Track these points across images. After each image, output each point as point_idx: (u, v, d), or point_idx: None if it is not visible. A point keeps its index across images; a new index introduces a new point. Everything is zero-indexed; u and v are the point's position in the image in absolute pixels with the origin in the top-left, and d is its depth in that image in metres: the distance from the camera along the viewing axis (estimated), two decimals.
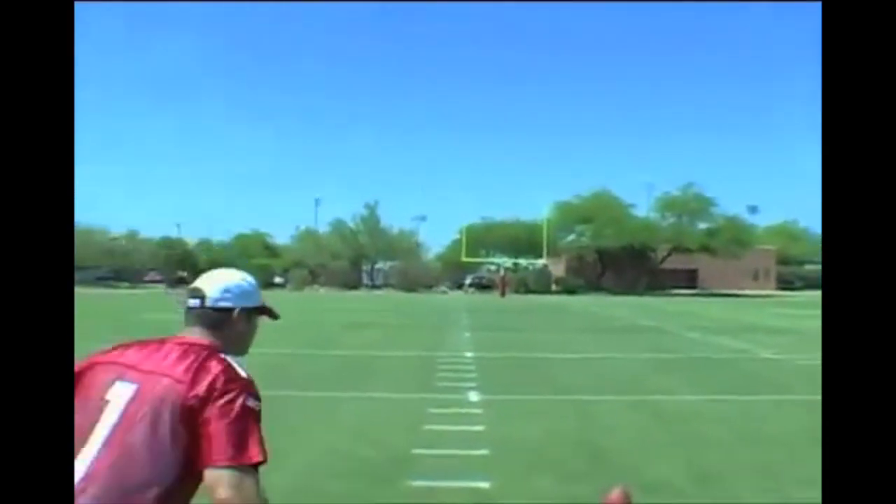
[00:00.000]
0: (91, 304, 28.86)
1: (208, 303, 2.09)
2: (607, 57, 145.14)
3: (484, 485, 5.52)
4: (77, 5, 2.74)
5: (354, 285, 70.08)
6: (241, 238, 78.91)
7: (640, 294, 60.26)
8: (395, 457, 6.27)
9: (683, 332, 20.61)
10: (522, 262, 67.90)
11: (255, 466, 1.80)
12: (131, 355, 2.02)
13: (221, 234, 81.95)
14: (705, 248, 66.62)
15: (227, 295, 2.11)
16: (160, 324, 15.08)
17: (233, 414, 1.82)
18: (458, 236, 67.16)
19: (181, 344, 2.02)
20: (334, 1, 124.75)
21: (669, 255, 69.13)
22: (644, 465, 6.06)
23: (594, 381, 10.98)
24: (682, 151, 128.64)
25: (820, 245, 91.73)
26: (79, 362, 2.05)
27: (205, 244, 76.76)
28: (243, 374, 1.93)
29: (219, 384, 1.86)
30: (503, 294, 56.08)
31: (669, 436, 7.26)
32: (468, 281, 69.38)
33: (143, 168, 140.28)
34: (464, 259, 61.97)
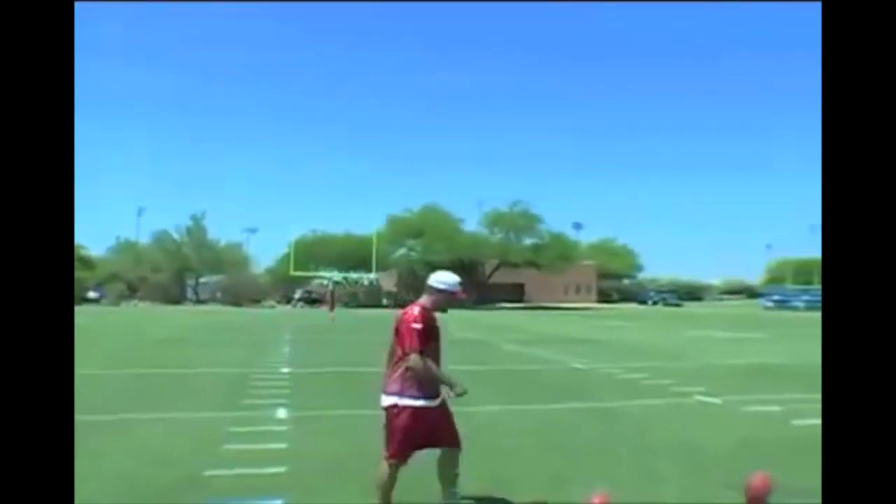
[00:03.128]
0: None
1: (429, 283, 4.97)
2: (443, 75, 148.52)
3: (276, 503, 5.38)
4: (77, 5, 2.72)
5: (177, 300, 66.85)
6: None
7: (469, 307, 61.73)
8: (187, 479, 5.97)
9: (502, 345, 21.30)
10: (353, 275, 67.61)
11: (417, 352, 4.67)
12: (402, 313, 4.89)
13: None
14: (531, 263, 69.43)
15: (437, 282, 4.96)
16: None
17: (407, 331, 4.72)
18: (288, 250, 65.85)
19: (412, 304, 4.94)
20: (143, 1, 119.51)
21: (497, 269, 71.40)
22: None
23: None
24: (513, 169, 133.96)
25: (635, 260, 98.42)
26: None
27: None
28: (416, 311, 4.80)
29: (404, 318, 4.79)
30: (332, 308, 55.51)
31: (468, 445, 7.40)
32: (297, 295, 68.15)
33: None
34: (292, 273, 60.76)
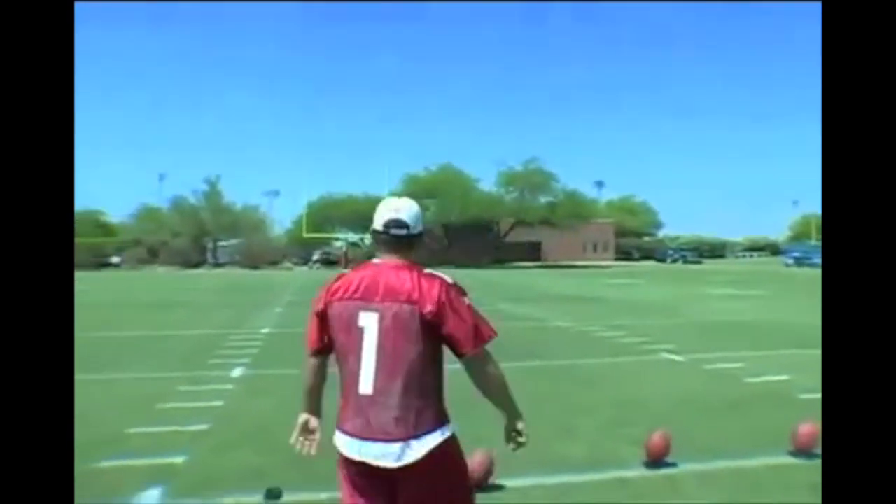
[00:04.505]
0: None
1: (412, 231, 2.62)
2: (458, 34, 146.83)
3: (177, 460, 5.43)
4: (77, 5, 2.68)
5: (197, 263, 67.61)
6: None
7: (485, 267, 61.71)
8: (104, 438, 6.04)
9: (494, 303, 21.23)
10: (368, 236, 67.75)
11: (490, 339, 2.51)
12: (358, 288, 2.54)
13: None
14: (546, 222, 69.02)
15: (419, 222, 2.67)
16: None
17: (461, 315, 2.48)
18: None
19: (391, 269, 2.55)
20: None
21: (513, 228, 71.16)
22: None
23: None
24: (533, 128, 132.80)
25: (654, 217, 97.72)
26: (315, 303, 2.66)
27: None
28: (451, 280, 2.55)
29: (443, 297, 2.47)
30: (346, 268, 55.94)
31: None
32: (315, 257, 68.66)
33: None
34: (305, 235, 61.09)
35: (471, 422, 6.53)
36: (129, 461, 5.41)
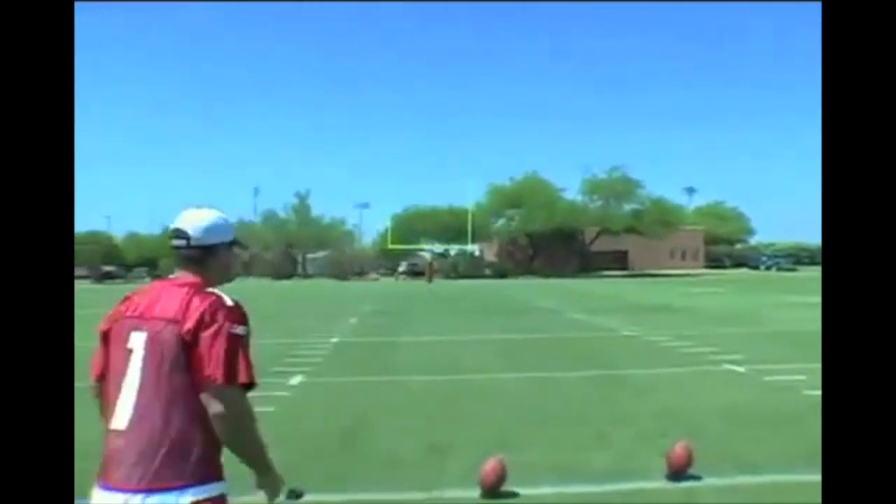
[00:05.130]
0: None
1: (193, 243, 2.24)
2: (542, 42, 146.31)
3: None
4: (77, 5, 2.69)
5: (287, 275, 69.68)
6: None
7: (570, 276, 61.12)
8: None
9: (570, 313, 21.12)
10: (453, 247, 68.40)
11: (244, 386, 2.08)
12: (138, 306, 2.19)
13: (155, 227, 80.00)
14: (632, 230, 67.89)
15: (209, 234, 2.27)
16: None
17: (220, 340, 2.04)
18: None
19: (174, 286, 2.21)
20: None
21: (598, 236, 70.27)
22: (386, 441, 6.35)
23: (427, 362, 11.31)
24: (620, 135, 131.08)
25: (746, 224, 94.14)
26: (102, 323, 2.27)
27: (133, 238, 75.36)
28: (229, 302, 2.14)
29: (206, 316, 2.07)
30: (430, 280, 56.53)
31: (450, 411, 7.57)
32: (401, 268, 69.63)
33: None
34: (390, 246, 62.19)
35: (488, 425, 6.70)
36: None
